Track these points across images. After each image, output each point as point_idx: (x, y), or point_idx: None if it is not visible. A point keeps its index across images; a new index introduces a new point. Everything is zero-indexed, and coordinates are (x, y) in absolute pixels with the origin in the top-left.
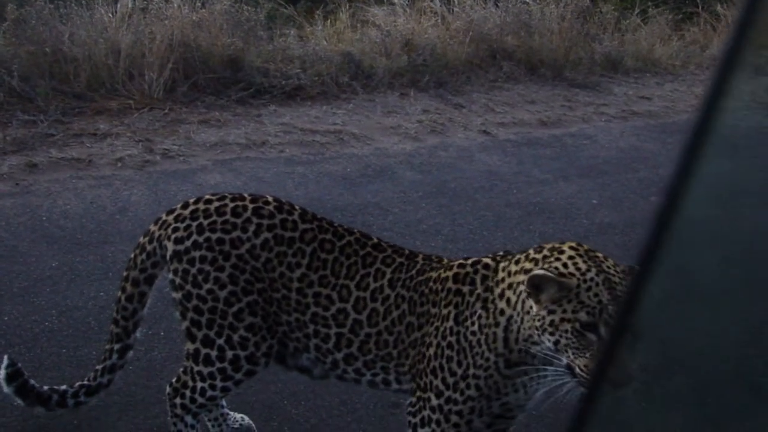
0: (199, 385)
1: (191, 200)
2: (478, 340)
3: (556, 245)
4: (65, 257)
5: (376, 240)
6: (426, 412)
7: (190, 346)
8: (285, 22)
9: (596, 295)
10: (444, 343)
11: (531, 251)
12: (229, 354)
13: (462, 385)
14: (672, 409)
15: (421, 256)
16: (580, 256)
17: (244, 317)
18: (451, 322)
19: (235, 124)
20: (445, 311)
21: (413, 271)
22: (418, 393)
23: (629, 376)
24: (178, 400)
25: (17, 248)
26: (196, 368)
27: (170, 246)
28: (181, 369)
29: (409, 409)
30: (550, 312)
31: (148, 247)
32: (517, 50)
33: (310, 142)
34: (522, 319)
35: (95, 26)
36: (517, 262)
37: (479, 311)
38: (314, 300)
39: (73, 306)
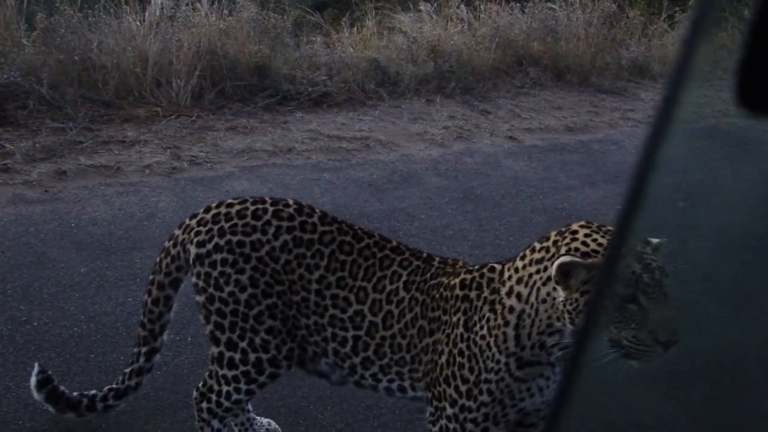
0: (225, 388)
1: (213, 204)
2: (488, 344)
3: (563, 229)
4: (94, 263)
5: (395, 243)
6: (443, 422)
7: (214, 350)
8: (312, 29)
9: (628, 266)
10: (455, 351)
11: (535, 244)
12: (252, 357)
13: (475, 391)
14: (697, 415)
15: (437, 259)
16: (596, 232)
17: (264, 320)
18: (461, 329)
19: (262, 131)
20: (454, 318)
21: (428, 275)
22: (435, 403)
23: (675, 333)
24: (204, 405)
25: (46, 254)
26: (221, 372)
27: (193, 249)
28: (207, 373)
29: (429, 418)
30: (584, 293)
31: (173, 251)
32: (544, 56)
33: (336, 148)
34: (537, 310)
35: (123, 34)
36: (522, 258)
37: (487, 314)
38: (332, 302)
39: (102, 312)
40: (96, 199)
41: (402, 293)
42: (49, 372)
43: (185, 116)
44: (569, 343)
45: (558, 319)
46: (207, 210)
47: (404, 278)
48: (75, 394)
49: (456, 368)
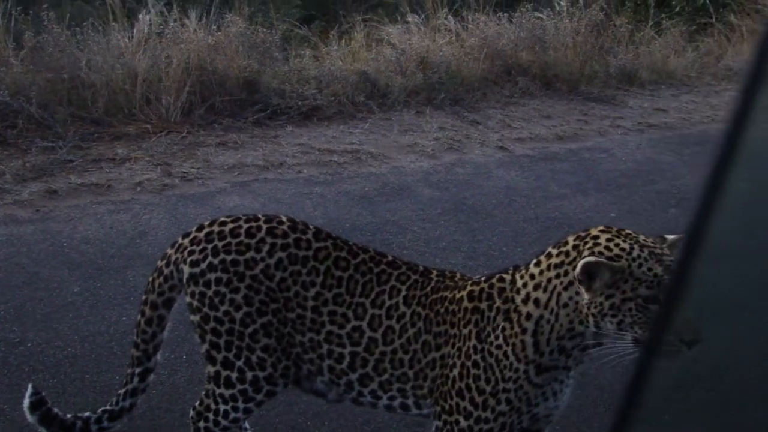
0: (222, 407)
1: (206, 223)
2: (505, 353)
3: (582, 234)
4: (87, 283)
5: (390, 257)
6: None
7: (210, 369)
8: (300, 42)
9: (650, 269)
10: (469, 363)
11: (551, 250)
12: (249, 375)
13: (492, 402)
14: (695, 422)
15: (435, 272)
16: (617, 236)
17: (259, 338)
18: (473, 341)
19: (253, 145)
20: (465, 331)
21: (428, 289)
22: (444, 416)
23: (698, 332)
24: (201, 424)
25: (39, 274)
26: (218, 391)
27: (186, 269)
28: (204, 392)
29: None
30: (609, 296)
31: (165, 271)
32: (532, 65)
33: (327, 162)
34: (557, 315)
35: (112, 52)
36: (537, 264)
37: (502, 324)
38: (329, 318)
39: (96, 331)
40: (87, 218)
41: (402, 308)
42: (43, 393)
43: (175, 132)
44: (590, 344)
45: (581, 322)
46: (200, 229)
47: (404, 293)
48: (69, 416)
49: (471, 380)
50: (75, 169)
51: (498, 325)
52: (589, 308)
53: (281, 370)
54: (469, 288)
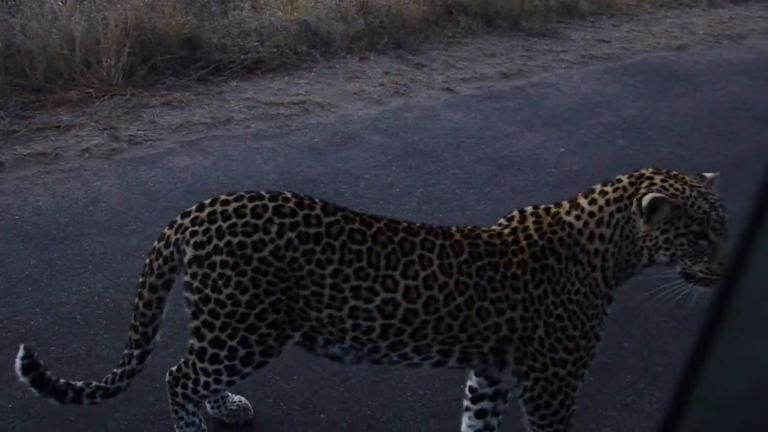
0: (203, 379)
1: (206, 201)
2: (585, 294)
3: (635, 174)
4: (42, 254)
5: (405, 223)
6: (553, 387)
7: (195, 343)
8: None
9: (699, 207)
10: (552, 320)
11: (605, 188)
12: (242, 352)
13: (583, 342)
14: (654, 347)
15: (457, 234)
16: (669, 177)
17: (267, 316)
18: (551, 298)
19: (198, 103)
20: (539, 291)
21: (465, 255)
22: (535, 374)
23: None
24: (179, 390)
25: None
26: (200, 365)
27: (190, 250)
28: (183, 360)
29: (527, 394)
30: (664, 231)
31: (165, 252)
32: (472, 3)
33: (274, 115)
34: (620, 247)
35: (46, 16)
36: (592, 202)
37: (574, 269)
38: (353, 294)
39: (57, 302)
40: (37, 189)
41: (442, 278)
42: (36, 355)
43: (119, 95)
44: (635, 273)
45: (635, 255)
46: (200, 208)
47: (436, 262)
48: (62, 382)
49: (559, 333)
50: (19, 139)
51: (571, 273)
52: (644, 241)
53: (282, 339)
54: (530, 250)
